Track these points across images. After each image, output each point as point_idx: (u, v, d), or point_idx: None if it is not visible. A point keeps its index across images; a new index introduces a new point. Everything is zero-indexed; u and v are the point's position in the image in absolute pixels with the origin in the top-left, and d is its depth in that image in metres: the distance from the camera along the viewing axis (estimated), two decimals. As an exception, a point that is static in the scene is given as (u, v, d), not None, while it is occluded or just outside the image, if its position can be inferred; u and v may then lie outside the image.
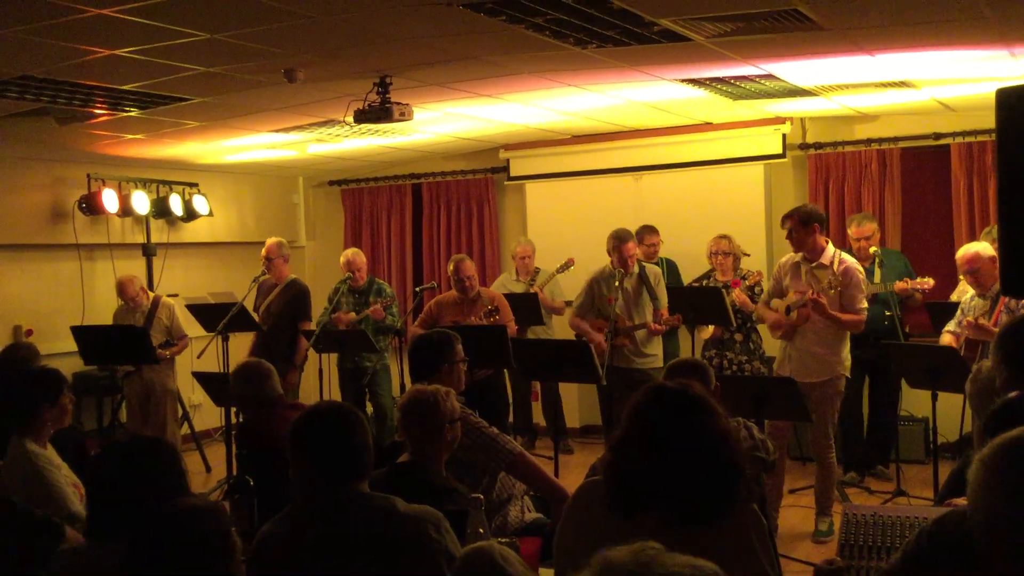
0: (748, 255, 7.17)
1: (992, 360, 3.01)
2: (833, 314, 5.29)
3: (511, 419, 7.69)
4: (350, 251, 7.59)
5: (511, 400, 7.56)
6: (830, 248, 5.49)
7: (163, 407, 7.33)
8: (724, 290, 6.59)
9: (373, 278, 7.62)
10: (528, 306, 7.20)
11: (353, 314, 7.28)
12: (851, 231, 6.70)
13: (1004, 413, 2.30)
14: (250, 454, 4.29)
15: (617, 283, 6.22)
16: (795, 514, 5.89)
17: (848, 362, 5.49)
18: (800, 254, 5.53)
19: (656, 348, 6.43)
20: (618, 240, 6.28)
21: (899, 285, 6.36)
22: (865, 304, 5.44)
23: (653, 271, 6.48)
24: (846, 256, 5.53)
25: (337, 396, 7.47)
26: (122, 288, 7.37)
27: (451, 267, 6.65)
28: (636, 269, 6.36)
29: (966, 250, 5.49)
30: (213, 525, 2.09)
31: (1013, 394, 2.47)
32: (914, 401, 6.73)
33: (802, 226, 5.42)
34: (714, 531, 2.22)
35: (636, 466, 2.23)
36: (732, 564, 2.30)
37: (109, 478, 2.50)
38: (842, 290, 5.34)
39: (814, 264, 5.45)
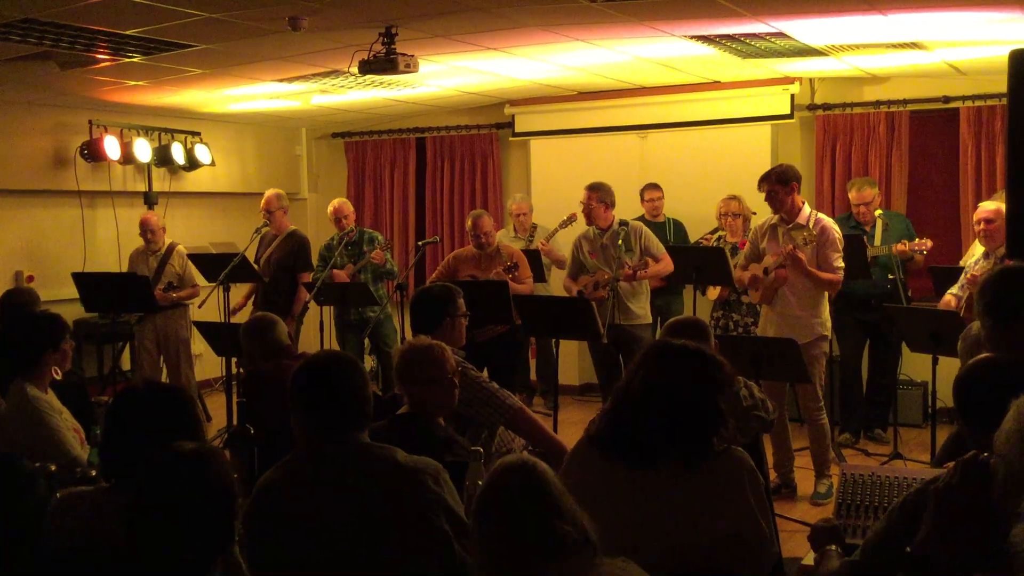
0: (755, 214, 7.14)
1: (976, 308, 2.96)
2: (810, 270, 5.31)
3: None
4: (336, 200, 7.61)
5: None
6: (806, 208, 5.49)
7: (176, 355, 7.37)
8: (730, 251, 6.56)
9: (362, 229, 7.61)
10: (530, 263, 7.18)
11: (351, 265, 7.27)
12: (852, 195, 6.68)
13: (972, 378, 2.30)
14: (251, 403, 4.30)
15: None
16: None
17: (829, 323, 5.52)
18: (776, 216, 5.52)
19: (640, 306, 6.45)
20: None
21: (898, 247, 6.35)
22: (842, 264, 5.43)
23: (635, 228, 6.45)
24: (822, 216, 5.54)
25: (337, 348, 7.48)
26: (146, 221, 7.36)
27: (469, 222, 6.66)
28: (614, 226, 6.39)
29: (988, 203, 5.49)
30: (214, 470, 2.10)
31: (983, 356, 2.44)
32: (914, 365, 6.73)
33: (781, 186, 5.40)
34: (707, 475, 2.39)
35: (647, 418, 2.35)
36: (724, 508, 2.37)
37: (127, 422, 2.49)
38: (818, 248, 5.34)
39: (791, 225, 5.44)
